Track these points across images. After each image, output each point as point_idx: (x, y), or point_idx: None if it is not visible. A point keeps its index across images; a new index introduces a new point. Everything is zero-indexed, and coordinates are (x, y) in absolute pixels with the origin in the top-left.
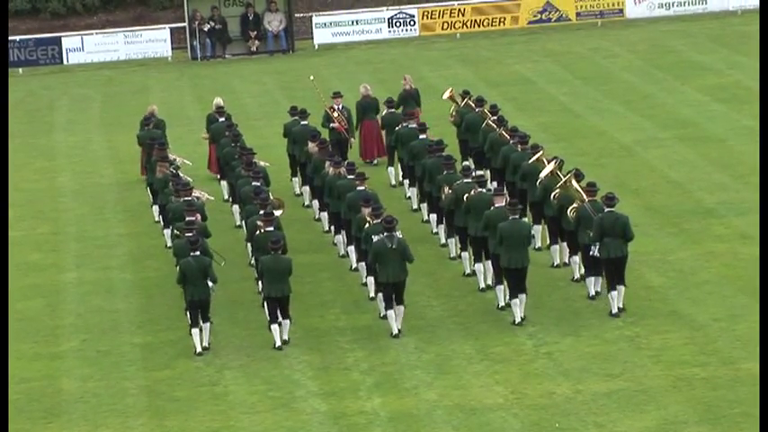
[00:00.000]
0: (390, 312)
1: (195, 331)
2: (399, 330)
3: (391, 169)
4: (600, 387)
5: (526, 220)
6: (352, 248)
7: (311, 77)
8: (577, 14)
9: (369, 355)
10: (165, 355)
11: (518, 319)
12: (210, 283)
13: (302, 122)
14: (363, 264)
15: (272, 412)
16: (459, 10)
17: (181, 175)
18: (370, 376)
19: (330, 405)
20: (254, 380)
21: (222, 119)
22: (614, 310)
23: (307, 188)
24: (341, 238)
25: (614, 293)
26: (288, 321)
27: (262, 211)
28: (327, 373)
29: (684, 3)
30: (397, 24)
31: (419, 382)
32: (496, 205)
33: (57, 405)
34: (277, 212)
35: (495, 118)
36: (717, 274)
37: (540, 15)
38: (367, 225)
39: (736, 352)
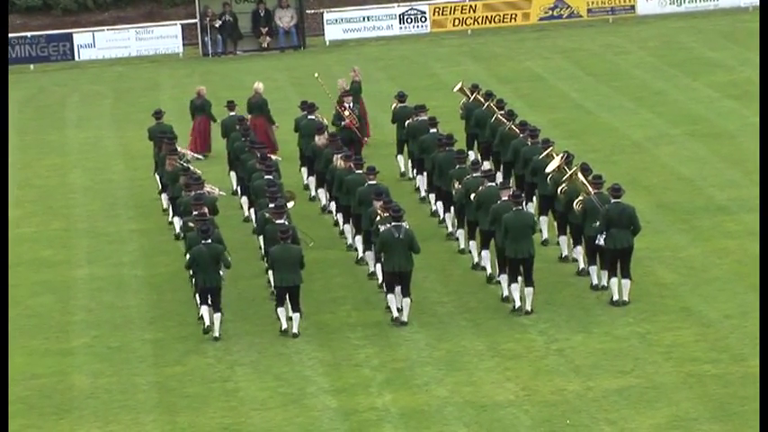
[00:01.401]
0: (390, 296)
1: (204, 308)
2: (405, 322)
3: (400, 157)
4: (611, 384)
5: (532, 210)
6: (359, 238)
7: (316, 75)
8: (588, 11)
9: (380, 351)
10: (176, 351)
11: (518, 303)
12: (222, 272)
13: (309, 116)
14: (370, 253)
15: (282, 408)
16: (471, 6)
17: (192, 168)
18: (381, 372)
19: (341, 401)
20: (265, 376)
21: (232, 113)
22: (615, 297)
23: (312, 179)
24: (349, 228)
25: (615, 280)
26: (298, 315)
27: (272, 204)
28: (338, 370)
29: None
30: (409, 21)
31: (430, 379)
32: (503, 199)
33: (68, 401)
34: (289, 204)
35: (504, 112)
36: (728, 271)
37: (551, 12)
38: (378, 218)
39: (748, 349)
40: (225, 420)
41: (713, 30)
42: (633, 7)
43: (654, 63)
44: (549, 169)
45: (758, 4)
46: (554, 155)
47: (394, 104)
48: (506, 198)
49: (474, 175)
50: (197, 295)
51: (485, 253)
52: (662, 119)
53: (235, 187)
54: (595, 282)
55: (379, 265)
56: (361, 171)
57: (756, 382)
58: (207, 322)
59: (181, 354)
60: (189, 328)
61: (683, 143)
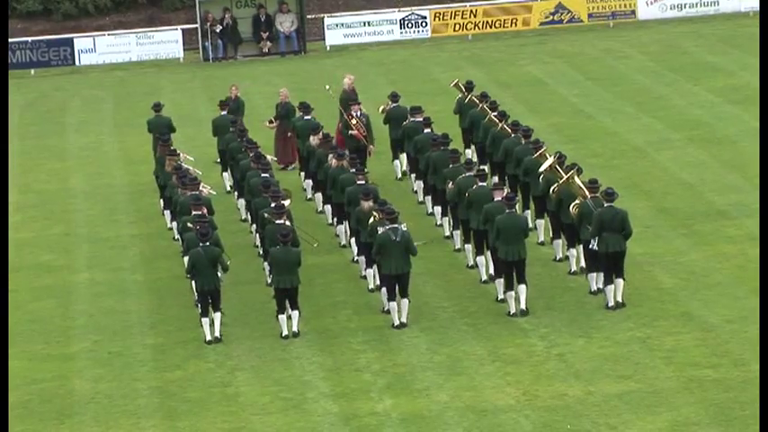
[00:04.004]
0: (393, 304)
1: (205, 320)
2: (404, 323)
3: (397, 162)
4: (611, 388)
5: (528, 213)
6: (354, 240)
7: (327, 87)
8: (589, 16)
9: (380, 356)
10: (177, 356)
11: (512, 310)
12: (220, 273)
13: (305, 117)
14: (363, 258)
15: (283, 413)
16: (471, 11)
17: (191, 169)
18: (382, 377)
19: (341, 406)
20: (265, 381)
21: (224, 112)
22: (611, 303)
23: (309, 182)
24: (343, 228)
25: (611, 287)
26: (297, 312)
27: (273, 204)
28: (339, 375)
29: (696, 4)
30: (409, 26)
31: (430, 384)
32: (496, 199)
33: (68, 406)
34: (284, 203)
35: (497, 113)
36: (728, 276)
37: (551, 17)
38: (372, 220)
39: (748, 353)
40: (225, 425)
41: (714, 34)
42: (634, 12)
43: (654, 68)
44: (541, 169)
45: (758, 8)
46: (547, 155)
47: (386, 105)
48: (500, 199)
49: (467, 174)
50: (198, 303)
51: (480, 259)
52: (662, 124)
53: (228, 188)
54: (594, 288)
55: (370, 271)
56: (353, 170)
57: (756, 387)
58: (208, 336)
59: (181, 358)
60: (189, 332)
61: (684, 148)
